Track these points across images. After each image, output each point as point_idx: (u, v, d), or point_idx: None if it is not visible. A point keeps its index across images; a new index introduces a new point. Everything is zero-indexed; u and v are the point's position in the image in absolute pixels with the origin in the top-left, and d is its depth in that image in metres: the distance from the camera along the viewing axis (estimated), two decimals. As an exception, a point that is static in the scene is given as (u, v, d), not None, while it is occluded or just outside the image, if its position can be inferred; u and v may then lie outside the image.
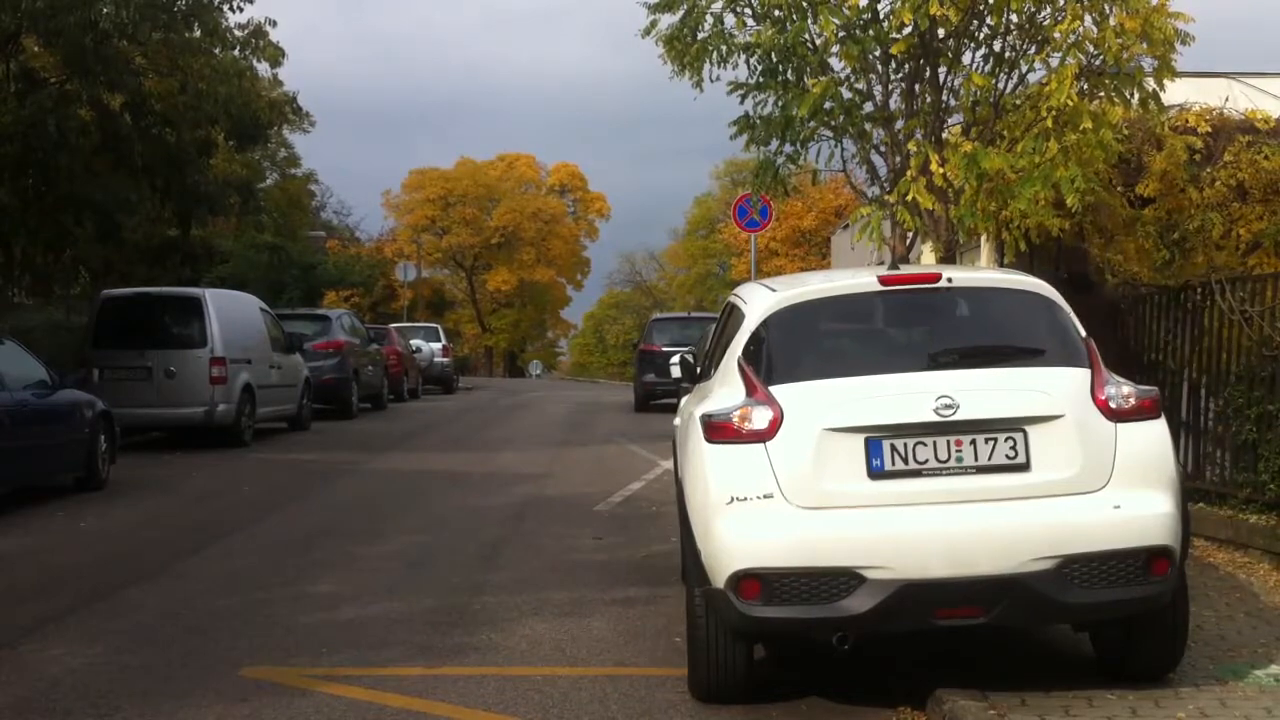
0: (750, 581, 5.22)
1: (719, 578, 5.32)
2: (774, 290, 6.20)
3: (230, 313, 18.25)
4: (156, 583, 8.59)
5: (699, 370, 7.70)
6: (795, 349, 5.83)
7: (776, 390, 5.49)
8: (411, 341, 33.24)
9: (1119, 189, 11.52)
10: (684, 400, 8.18)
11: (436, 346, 36.65)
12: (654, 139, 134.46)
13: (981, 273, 6.34)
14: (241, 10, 16.40)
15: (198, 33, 15.91)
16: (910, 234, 10.30)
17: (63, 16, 13.77)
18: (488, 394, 37.88)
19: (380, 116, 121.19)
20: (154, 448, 17.21)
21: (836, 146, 10.96)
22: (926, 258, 18.42)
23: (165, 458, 16.37)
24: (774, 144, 10.98)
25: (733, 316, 6.68)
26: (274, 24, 16.78)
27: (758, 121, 11.04)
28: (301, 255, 31.35)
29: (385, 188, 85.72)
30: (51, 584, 8.61)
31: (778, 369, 5.66)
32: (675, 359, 7.90)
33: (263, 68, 16.61)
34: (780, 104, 10.63)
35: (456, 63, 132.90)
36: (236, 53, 16.30)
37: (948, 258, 9.87)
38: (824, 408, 5.38)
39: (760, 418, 5.41)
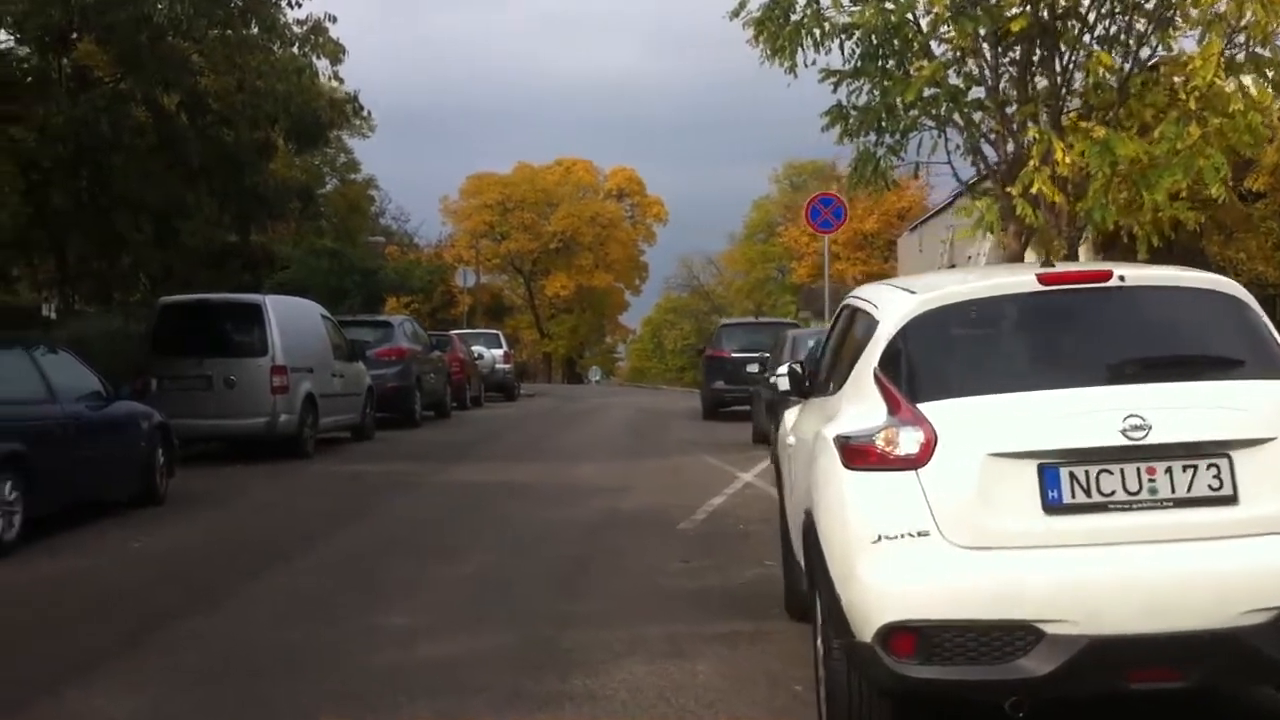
0: (904, 636, 4.42)
1: (865, 630, 4.53)
2: (911, 292, 5.39)
3: (291, 320, 17.68)
4: (215, 611, 7.92)
5: (811, 383, 6.92)
6: (944, 359, 5.03)
7: (926, 408, 4.69)
8: (473, 348, 32.68)
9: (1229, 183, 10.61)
10: (790, 416, 7.39)
11: (498, 353, 36.08)
12: (711, 142, 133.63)
13: (1157, 270, 5.49)
14: (299, 5, 15.88)
15: (255, 29, 15.35)
16: (1023, 230, 9.45)
17: (115, 12, 13.24)
18: (549, 401, 37.27)
19: (435, 122, 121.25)
20: (213, 459, 16.66)
21: (939, 136, 10.13)
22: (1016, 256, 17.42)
23: (225, 470, 15.80)
24: (871, 135, 10.19)
25: (856, 322, 5.89)
26: (334, 20, 16.26)
27: (851, 111, 10.26)
28: (362, 261, 30.87)
29: (442, 193, 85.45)
30: (101, 612, 7.97)
31: (925, 382, 4.86)
32: (783, 370, 7.09)
33: (322, 65, 16.07)
34: (879, 90, 9.84)
35: (512, 67, 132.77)
36: (295, 50, 15.72)
37: (1070, 256, 9.00)
38: (987, 429, 4.58)
39: (909, 440, 4.62)
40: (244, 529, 11.39)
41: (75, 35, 13.83)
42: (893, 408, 4.77)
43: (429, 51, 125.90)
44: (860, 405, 5.04)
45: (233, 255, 30.72)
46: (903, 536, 4.51)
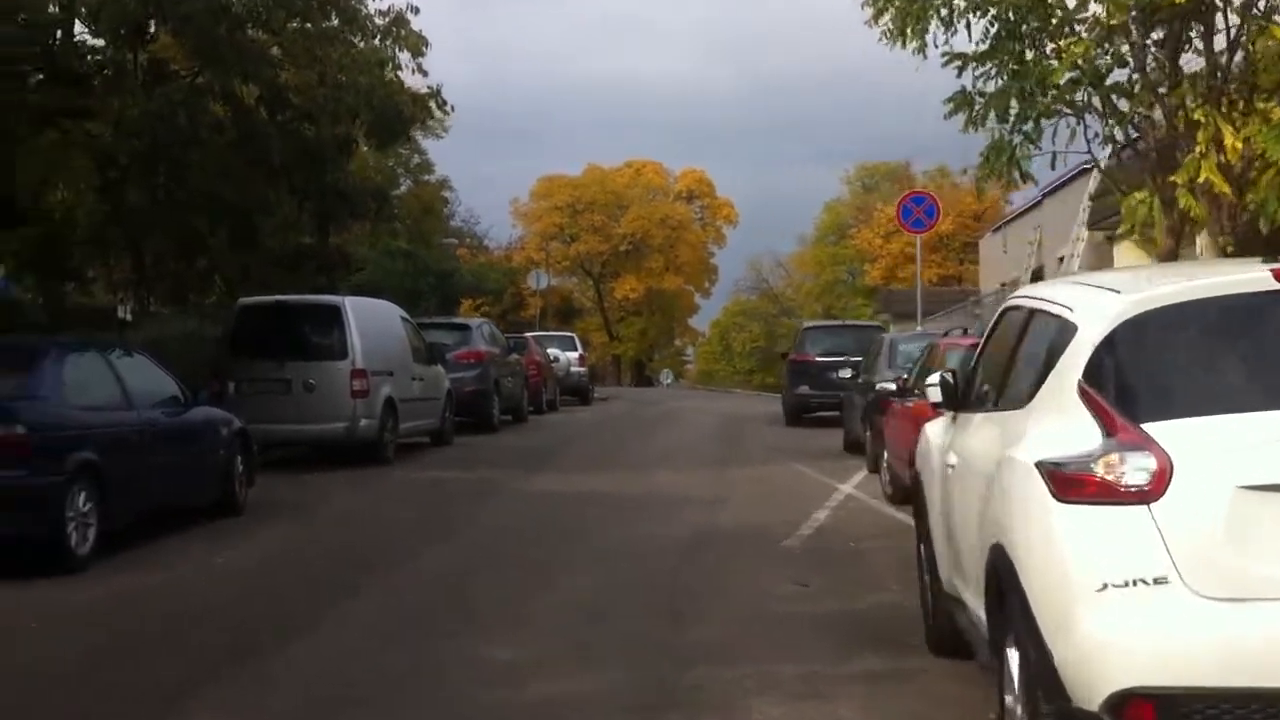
0: (1142, 705, 3.68)
1: (1089, 696, 3.79)
2: (1115, 291, 4.63)
3: (371, 322, 17.16)
4: (306, 637, 7.31)
5: (965, 395, 6.18)
6: (1168, 370, 4.27)
7: (1154, 429, 3.95)
8: (548, 350, 32.11)
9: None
10: (937, 432, 6.65)
11: (573, 356, 35.50)
12: (780, 145, 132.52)
13: None
14: (380, -4, 15.30)
15: (335, 21, 14.81)
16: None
17: (191, 2, 12.75)
18: (624, 404, 36.62)
19: (504, 125, 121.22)
20: (291, 465, 16.16)
21: (1077, 124, 9.32)
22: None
23: (304, 477, 15.29)
24: (997, 122, 9.39)
25: (1035, 326, 5.15)
26: (416, 11, 15.67)
27: (977, 97, 9.48)
28: (437, 262, 30.43)
29: (511, 195, 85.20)
30: (184, 637, 7.40)
31: (1147, 399, 4.11)
32: (934, 379, 6.34)
33: (403, 58, 15.47)
34: (1010, 73, 9.05)
35: (581, 71, 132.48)
36: (377, 42, 15.15)
37: (1237, 252, 8.15)
38: (1235, 455, 3.83)
39: (1138, 468, 3.88)
40: (329, 543, 10.82)
41: (151, 27, 13.37)
42: (1109, 428, 4.02)
43: (495, 55, 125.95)
44: (1060, 424, 4.30)
45: (308, 257, 30.46)
46: (1135, 584, 3.77)
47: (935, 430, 6.77)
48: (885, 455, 13.63)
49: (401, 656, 6.82)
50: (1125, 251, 21.66)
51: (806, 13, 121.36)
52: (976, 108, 9.52)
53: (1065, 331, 4.63)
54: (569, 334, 38.59)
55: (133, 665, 6.75)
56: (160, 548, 10.24)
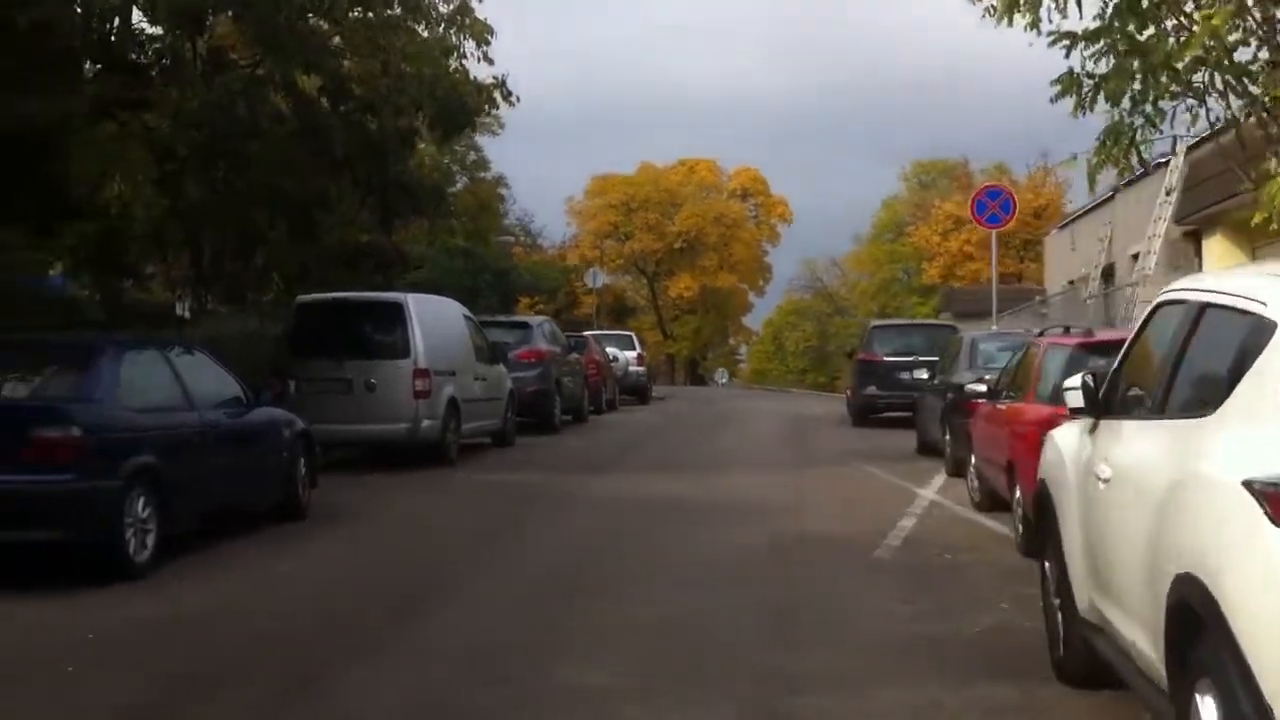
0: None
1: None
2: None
3: (433, 320, 16.70)
4: (380, 658, 6.79)
5: (1106, 397, 5.56)
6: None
7: None
8: (607, 349, 31.60)
9: None
10: (1071, 439, 6.03)
11: (632, 355, 34.99)
12: (833, 144, 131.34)
13: None
14: (444, -16, 14.76)
15: (398, 9, 14.32)
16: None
17: (251, -12, 12.36)
18: (682, 404, 36.03)
19: (557, 124, 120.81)
20: (352, 467, 15.74)
21: (1199, 106, 8.64)
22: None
23: (365, 479, 14.84)
24: (1113, 104, 8.73)
25: (1220, 321, 4.52)
26: (481, -2, 15.12)
27: (1085, 79, 8.82)
28: (495, 260, 29.99)
29: (564, 194, 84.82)
30: (250, 656, 6.90)
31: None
32: (1073, 382, 5.72)
33: (468, 46, 14.91)
34: (1123, 50, 8.39)
35: (633, 70, 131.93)
36: (440, 31, 14.62)
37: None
38: None
39: (1386, 491, 3.26)
40: (396, 551, 10.32)
41: (211, 15, 12.95)
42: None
43: (546, 55, 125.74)
44: (1265, 436, 3.68)
45: (365, 254, 30.12)
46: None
47: (1067, 438, 6.16)
48: (972, 460, 12.99)
49: (479, 684, 6.29)
50: (1215, 246, 20.83)
51: (862, 13, 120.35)
52: (1086, 89, 8.86)
53: (1261, 330, 4.01)
54: (627, 333, 38.08)
55: (195, 690, 6.26)
56: (221, 554, 9.79)
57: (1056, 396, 9.74)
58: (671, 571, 9.28)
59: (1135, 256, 26.66)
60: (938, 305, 51.48)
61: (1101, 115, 8.98)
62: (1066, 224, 41.87)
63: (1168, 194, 24.65)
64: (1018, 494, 10.15)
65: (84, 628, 7.42)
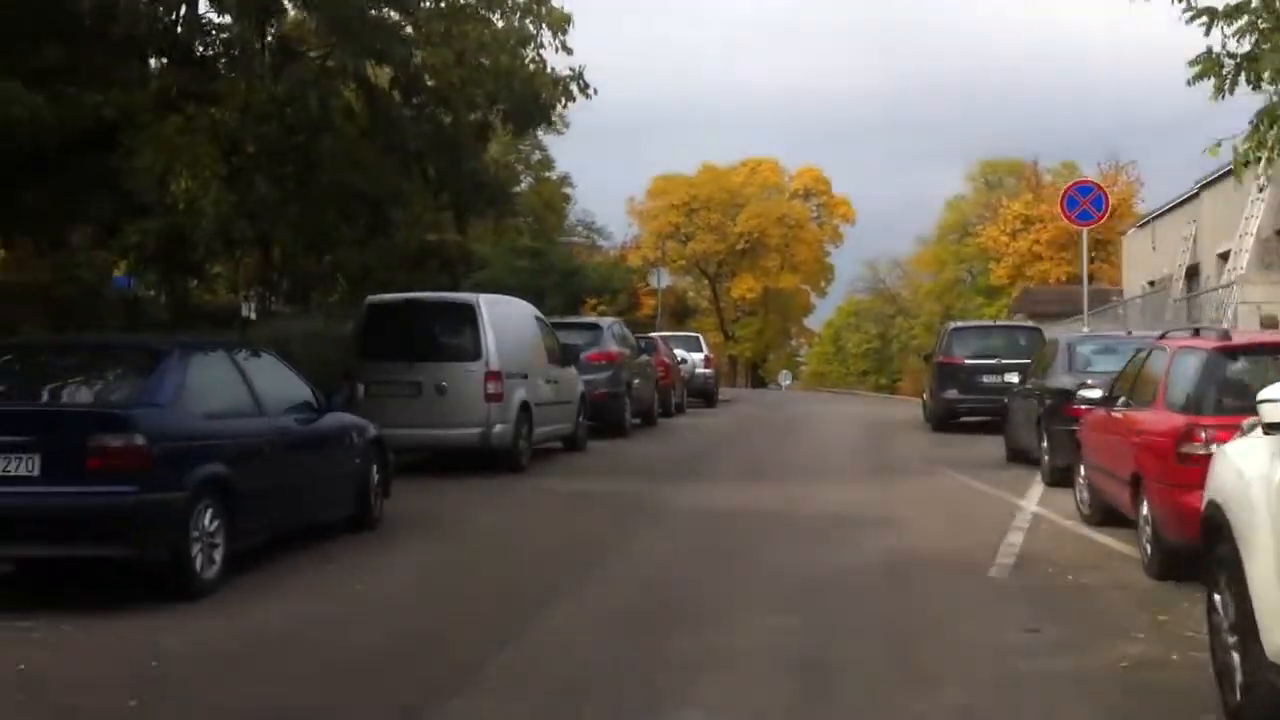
0: None
1: None
2: None
3: (505, 321, 16.13)
4: (475, 693, 6.18)
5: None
6: None
7: None
8: (675, 351, 30.92)
9: None
10: (1266, 455, 5.29)
11: (699, 357, 34.31)
12: (897, 144, 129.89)
13: None
14: (520, -30, 14.10)
15: (472, -2, 13.72)
16: None
17: (322, -25, 11.81)
18: (749, 407, 35.33)
19: (617, 125, 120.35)
20: (420, 472, 15.19)
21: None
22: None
23: (436, 486, 14.28)
24: (1256, 85, 7.95)
25: None
26: (558, -17, 14.44)
27: (1226, 58, 8.06)
28: (562, 260, 29.44)
29: (622, 194, 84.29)
30: (329, 688, 6.30)
31: None
32: (1272, 393, 4.98)
33: (544, 36, 14.19)
34: (1270, 25, 7.62)
35: (694, 70, 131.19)
36: (516, 21, 13.97)
37: None
38: None
39: None
40: (475, 569, 9.70)
41: (281, 3, 12.42)
42: None
43: (608, 56, 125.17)
44: None
45: (430, 254, 29.70)
46: None
47: (1252, 456, 5.41)
48: (1081, 471, 12.20)
49: (586, 722, 5.66)
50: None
51: (926, 13, 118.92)
52: (1227, 70, 8.09)
53: None
54: (694, 334, 37.41)
55: (269, 726, 5.68)
56: (292, 570, 9.23)
57: (1190, 404, 8.99)
58: (775, 595, 8.59)
59: (1224, 255, 25.62)
60: (1010, 306, 50.30)
61: (1243, 98, 8.22)
62: (1146, 222, 40.68)
63: (1260, 190, 23.63)
64: (1145, 510, 9.36)
65: (147, 654, 6.86)
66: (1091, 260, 60.84)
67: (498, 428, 15.37)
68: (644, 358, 24.69)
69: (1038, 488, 14.36)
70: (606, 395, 21.11)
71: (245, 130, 12.35)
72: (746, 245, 76.93)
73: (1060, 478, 14.07)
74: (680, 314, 68.19)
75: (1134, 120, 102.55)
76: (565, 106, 14.36)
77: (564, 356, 18.25)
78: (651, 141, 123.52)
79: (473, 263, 29.60)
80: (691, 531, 11.49)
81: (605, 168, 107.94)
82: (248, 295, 20.81)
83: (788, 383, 67.79)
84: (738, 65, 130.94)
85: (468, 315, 15.52)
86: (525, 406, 16.03)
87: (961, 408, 23.01)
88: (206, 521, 8.22)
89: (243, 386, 9.21)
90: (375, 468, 11.04)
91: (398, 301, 16.13)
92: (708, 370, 35.13)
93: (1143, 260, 39.34)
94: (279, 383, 9.90)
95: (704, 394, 33.63)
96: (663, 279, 44.04)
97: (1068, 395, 14.35)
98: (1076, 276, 57.79)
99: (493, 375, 15.32)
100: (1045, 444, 14.77)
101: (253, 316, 20.59)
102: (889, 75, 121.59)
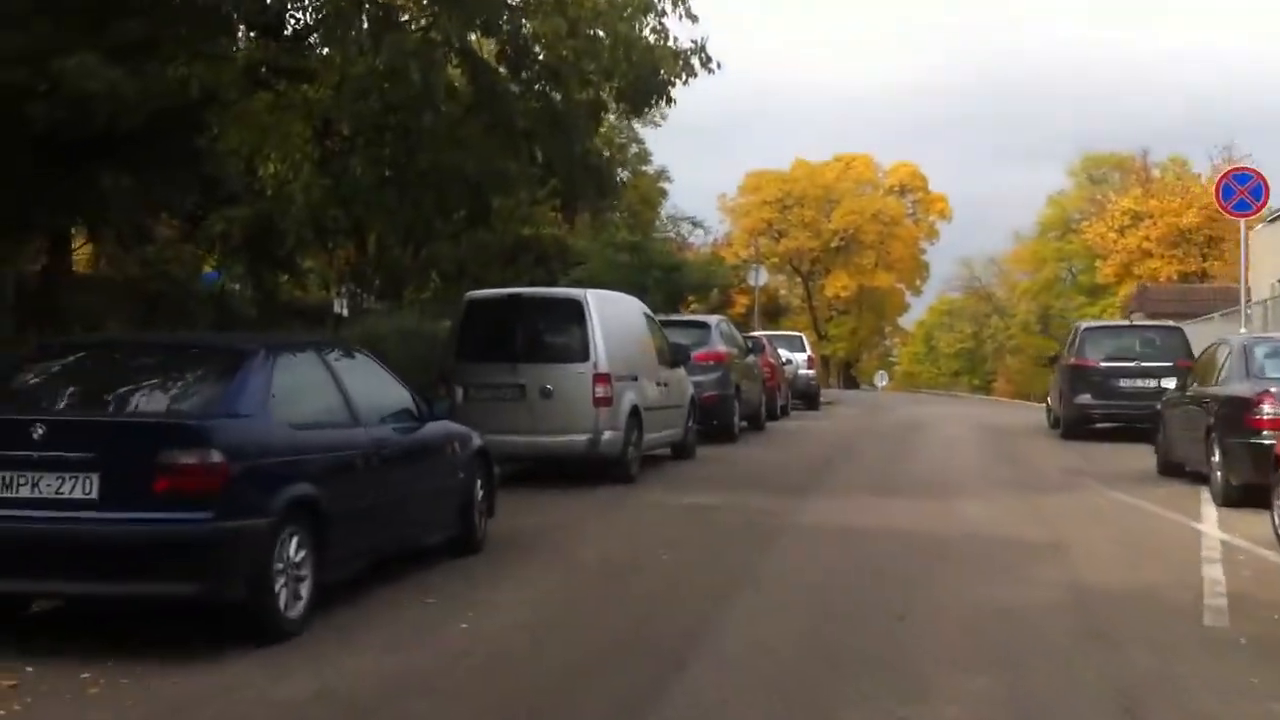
0: None
1: None
2: None
3: (614, 319, 14.89)
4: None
5: None
6: None
7: None
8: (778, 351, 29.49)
9: None
10: None
11: (802, 357, 32.87)
12: (992, 141, 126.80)
13: None
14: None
15: (585, -41, 12.40)
16: None
17: (425, -63, 10.65)
18: (853, 410, 33.85)
19: (707, 123, 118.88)
20: (521, 483, 14.01)
21: None
22: None
23: (539, 500, 13.07)
24: None
25: None
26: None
27: None
28: (662, 255, 28.16)
29: (711, 191, 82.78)
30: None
31: None
32: None
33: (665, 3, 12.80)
34: None
35: (782, 66, 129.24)
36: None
37: None
38: None
39: None
40: (598, 603, 8.44)
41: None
42: None
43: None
44: None
45: (526, 249, 28.58)
46: None
47: None
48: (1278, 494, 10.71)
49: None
50: None
51: (1023, 9, 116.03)
52: None
53: None
54: (797, 333, 35.96)
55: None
56: (387, 603, 8.03)
57: None
58: (958, 645, 7.22)
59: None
60: (1125, 304, 47.99)
61: None
62: (1277, 218, 38.41)
63: None
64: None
65: (224, 713, 5.71)
66: (1203, 258, 58.59)
67: (607, 435, 14.13)
68: (751, 358, 23.34)
69: (1210, 508, 12.84)
70: (715, 398, 19.83)
71: (340, 108, 11.23)
72: (841, 242, 75.42)
73: (1239, 497, 12.56)
74: (772, 313, 66.76)
75: (1246, 114, 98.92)
76: (686, 82, 13.03)
77: (674, 357, 16.98)
78: (741, 139, 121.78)
79: (570, 258, 28.44)
80: (832, 555, 10.14)
81: (693, 166, 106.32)
82: (340, 291, 19.81)
83: (883, 383, 65.97)
84: (827, 61, 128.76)
85: (575, 312, 14.31)
86: (635, 411, 14.79)
87: (1096, 414, 21.39)
88: (292, 551, 7.06)
89: (335, 392, 8.04)
90: (480, 483, 9.85)
91: (500, 297, 14.95)
92: (810, 371, 33.70)
93: (1271, 258, 37.06)
94: (376, 387, 8.73)
95: (806, 396, 32.20)
96: (761, 276, 42.29)
97: (1245, 404, 12.86)
98: (1189, 275, 55.46)
99: (602, 378, 14.09)
100: (1218, 459, 13.22)
101: (344, 313, 19.58)
102: (985, 70, 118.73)
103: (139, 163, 12.36)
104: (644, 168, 39.47)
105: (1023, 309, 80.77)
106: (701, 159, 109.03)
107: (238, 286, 11.41)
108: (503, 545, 10.13)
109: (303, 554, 7.16)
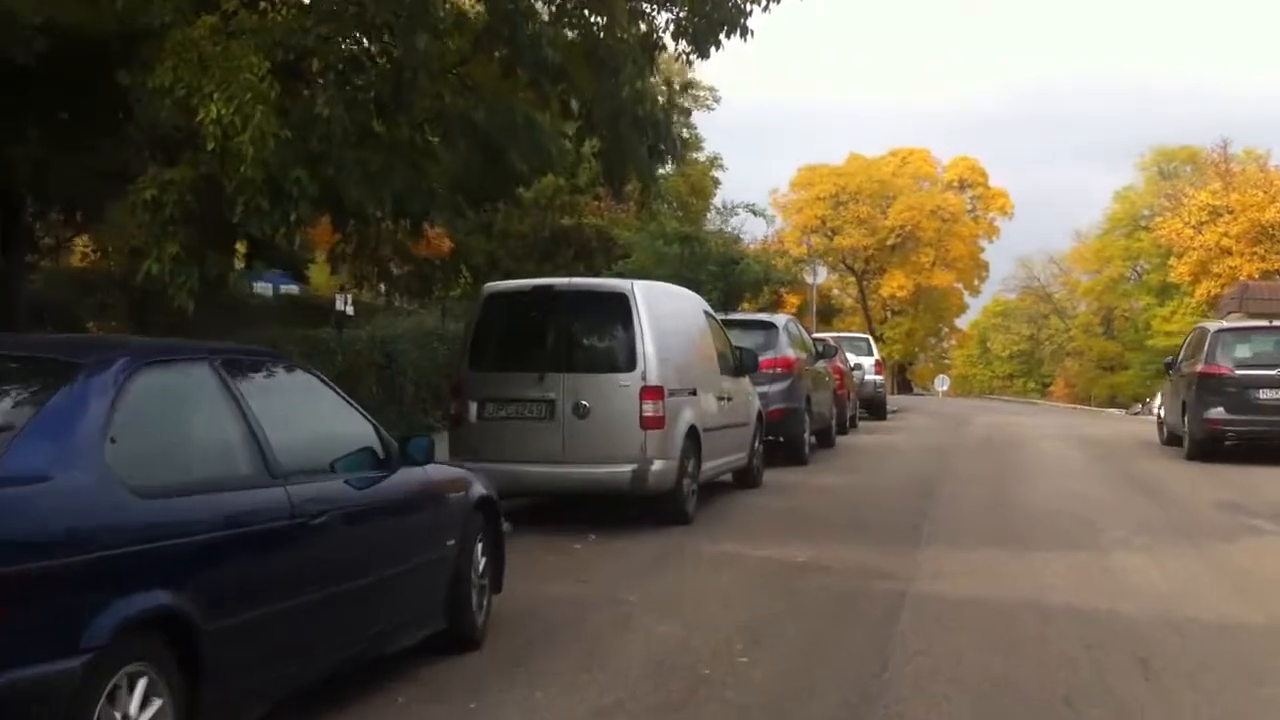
0: None
1: None
2: None
3: (668, 319, 11.89)
4: None
5: None
6: None
7: None
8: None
9: None
10: None
11: (870, 362, 29.79)
12: (1049, 140, 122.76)
13: None
14: None
15: None
16: None
17: None
18: (923, 419, 30.68)
19: (759, 119, 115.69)
20: (541, 523, 11.08)
21: None
22: None
23: (567, 553, 10.10)
24: None
25: None
26: None
27: None
28: (718, 248, 25.13)
29: (762, 188, 79.51)
30: None
31: None
32: None
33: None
34: None
35: (836, 61, 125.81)
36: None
37: None
38: None
39: None
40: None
41: None
42: None
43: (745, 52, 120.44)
44: None
45: (565, 241, 25.96)
46: None
47: None
48: None
49: None
50: None
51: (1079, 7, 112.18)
52: None
53: None
54: (863, 335, 32.86)
55: None
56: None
57: None
58: None
59: None
60: (1217, 305, 44.29)
61: None
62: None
63: None
64: None
65: None
66: (1283, 254, 54.72)
67: (657, 464, 11.13)
68: (821, 364, 20.28)
69: None
70: (783, 412, 16.80)
71: (305, 35, 8.31)
72: (898, 240, 72.26)
73: None
74: (825, 313, 63.57)
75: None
76: (766, 8, 9.99)
77: (739, 364, 13.97)
78: (793, 136, 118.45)
79: (614, 251, 25.51)
80: (984, 655, 7.03)
81: (745, 160, 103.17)
82: (344, 286, 17.00)
83: (944, 388, 62.65)
84: (880, 57, 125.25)
85: (620, 309, 11.31)
86: (693, 433, 11.79)
87: (1230, 431, 18.16)
88: (134, 706, 4.12)
89: (238, 431, 5.06)
90: (480, 547, 6.88)
91: (525, 290, 11.98)
92: (878, 377, 30.64)
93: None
94: (313, 422, 5.78)
95: (873, 405, 29.11)
96: (820, 274, 38.83)
97: None
98: (1271, 274, 51.76)
99: (652, 392, 11.10)
100: None
101: (349, 311, 16.75)
102: (1043, 69, 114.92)
103: (54, 116, 9.56)
104: (694, 155, 36.40)
105: (1084, 310, 77.61)
106: (751, 155, 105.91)
107: (176, 272, 8.59)
108: (513, 630, 7.20)
109: (158, 705, 4.22)
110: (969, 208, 77.51)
